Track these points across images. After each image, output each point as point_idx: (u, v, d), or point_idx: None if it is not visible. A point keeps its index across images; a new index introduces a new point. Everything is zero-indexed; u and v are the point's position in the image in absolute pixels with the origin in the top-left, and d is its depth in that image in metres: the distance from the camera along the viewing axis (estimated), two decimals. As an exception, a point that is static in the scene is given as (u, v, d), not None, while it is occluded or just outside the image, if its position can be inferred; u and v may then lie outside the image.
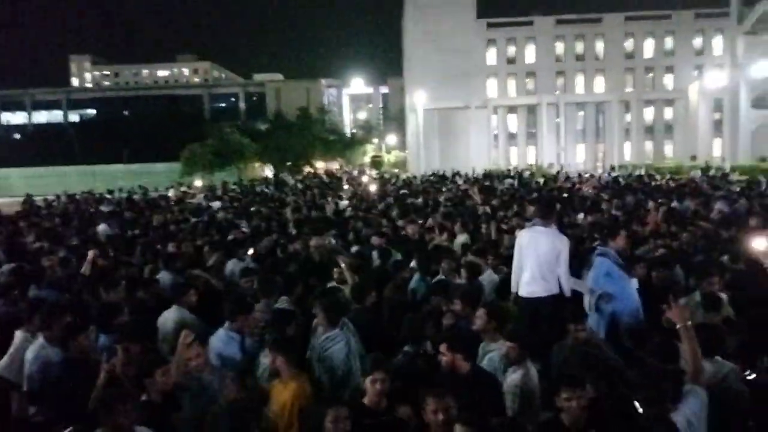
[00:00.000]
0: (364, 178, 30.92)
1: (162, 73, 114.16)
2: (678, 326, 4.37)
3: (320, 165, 59.82)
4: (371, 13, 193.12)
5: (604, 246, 6.57)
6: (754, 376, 4.72)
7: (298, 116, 62.32)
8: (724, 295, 5.92)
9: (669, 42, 58.39)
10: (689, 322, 4.34)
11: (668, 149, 56.35)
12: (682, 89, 53.27)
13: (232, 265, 8.64)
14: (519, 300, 6.55)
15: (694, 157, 42.71)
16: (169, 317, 6.17)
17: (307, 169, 56.10)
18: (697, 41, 57.96)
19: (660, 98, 57.50)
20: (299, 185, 30.32)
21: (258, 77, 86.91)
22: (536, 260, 6.43)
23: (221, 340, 5.46)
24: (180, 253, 9.47)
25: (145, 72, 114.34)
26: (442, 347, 4.71)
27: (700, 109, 47.88)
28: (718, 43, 55.95)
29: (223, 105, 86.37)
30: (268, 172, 55.99)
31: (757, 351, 4.99)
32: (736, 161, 37.50)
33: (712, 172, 28.44)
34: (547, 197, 14.69)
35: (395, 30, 63.95)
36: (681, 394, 4.01)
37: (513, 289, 6.69)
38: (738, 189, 18.21)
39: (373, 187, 23.91)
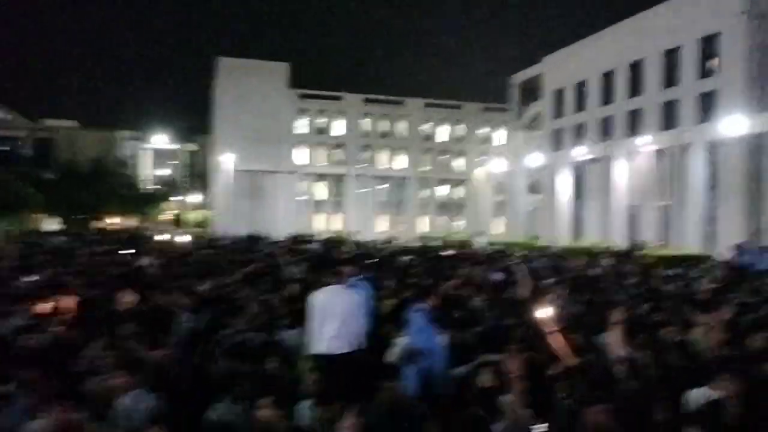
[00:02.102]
0: (161, 237, 29.12)
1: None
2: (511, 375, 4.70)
3: (114, 220, 55.74)
4: (180, 69, 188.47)
5: (419, 304, 6.98)
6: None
7: (92, 167, 57.92)
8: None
9: (461, 129, 65.00)
10: (520, 372, 4.73)
11: (458, 224, 61.68)
12: (470, 172, 59.23)
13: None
14: (318, 358, 6.63)
15: (482, 232, 47.19)
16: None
17: (99, 224, 51.95)
18: (483, 131, 65.28)
19: (452, 178, 63.23)
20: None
21: (49, 122, 79.41)
22: (339, 317, 6.64)
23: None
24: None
25: None
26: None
27: (485, 190, 53.52)
28: (501, 134, 63.57)
29: (6, 149, 77.04)
30: (55, 225, 50.79)
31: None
32: (514, 238, 42.11)
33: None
34: (332, 259, 15.17)
35: (204, 87, 63.15)
36: None
37: (309, 349, 6.76)
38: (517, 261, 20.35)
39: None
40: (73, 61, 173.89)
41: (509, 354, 4.72)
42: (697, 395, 5.23)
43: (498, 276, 12.94)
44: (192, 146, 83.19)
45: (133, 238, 30.67)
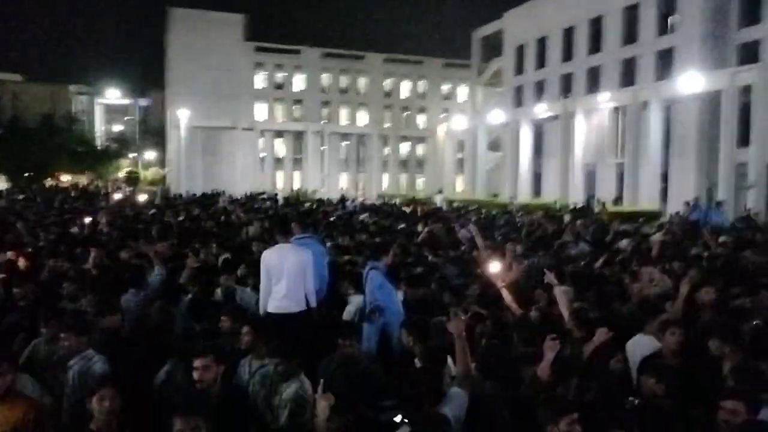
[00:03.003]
0: (116, 195, 28.39)
1: None
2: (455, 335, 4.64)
3: (66, 178, 54.00)
4: (131, 20, 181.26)
5: (375, 262, 6.85)
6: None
7: (41, 123, 55.61)
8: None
9: (422, 85, 64.44)
10: (463, 333, 4.66)
11: (420, 182, 61.66)
12: (432, 129, 58.90)
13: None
14: (270, 317, 6.54)
15: (440, 191, 47.27)
16: None
17: (49, 181, 50.22)
18: (446, 87, 64.86)
19: (413, 135, 62.88)
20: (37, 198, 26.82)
21: (-9, 75, 75.65)
22: (288, 276, 6.56)
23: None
24: None
25: None
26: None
27: (446, 148, 53.34)
28: (462, 90, 63.23)
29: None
30: (1, 183, 48.90)
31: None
32: (474, 196, 42.29)
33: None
34: (282, 216, 14.91)
35: (157, 41, 60.87)
36: (440, 396, 4.28)
37: (262, 307, 6.70)
38: (475, 218, 20.39)
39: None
40: (17, 10, 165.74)
41: (452, 315, 4.66)
42: (639, 342, 5.34)
43: (465, 233, 12.84)
44: (145, 101, 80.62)
45: (85, 196, 29.75)
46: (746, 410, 3.62)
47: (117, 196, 28.13)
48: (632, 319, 5.91)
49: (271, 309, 6.58)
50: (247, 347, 5.32)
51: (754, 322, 5.67)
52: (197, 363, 4.44)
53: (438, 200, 35.49)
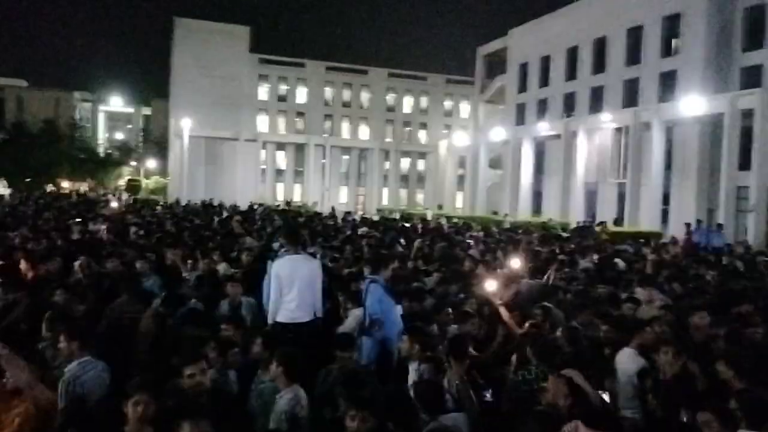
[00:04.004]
0: (114, 204, 28.16)
1: None
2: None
3: (66, 184, 53.99)
4: (137, 29, 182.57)
5: (374, 275, 6.83)
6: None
7: (44, 129, 55.73)
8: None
9: (424, 101, 64.71)
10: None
11: (420, 197, 61.66)
12: (434, 145, 59.05)
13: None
14: (279, 327, 6.54)
15: (440, 206, 47.22)
16: None
17: (49, 187, 50.17)
18: (448, 103, 65.12)
19: (415, 150, 62.98)
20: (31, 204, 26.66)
21: (-5, 80, 75.91)
22: (300, 286, 6.58)
23: None
24: None
25: None
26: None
27: (447, 164, 53.42)
28: (465, 107, 63.50)
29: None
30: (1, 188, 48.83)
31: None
32: (474, 213, 42.28)
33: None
34: (294, 226, 14.94)
35: (162, 50, 61.32)
36: (442, 407, 4.28)
37: (271, 317, 6.70)
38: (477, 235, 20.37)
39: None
40: (23, 16, 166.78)
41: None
42: (625, 356, 5.54)
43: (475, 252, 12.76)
44: (148, 110, 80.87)
45: (84, 202, 29.66)
46: (719, 423, 3.86)
47: (114, 204, 27.94)
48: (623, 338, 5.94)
49: (281, 318, 6.60)
50: (257, 359, 5.32)
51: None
52: (187, 369, 4.40)
53: (429, 215, 35.63)
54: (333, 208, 32.08)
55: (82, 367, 4.86)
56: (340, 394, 4.46)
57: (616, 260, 13.04)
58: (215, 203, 31.10)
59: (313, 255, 8.52)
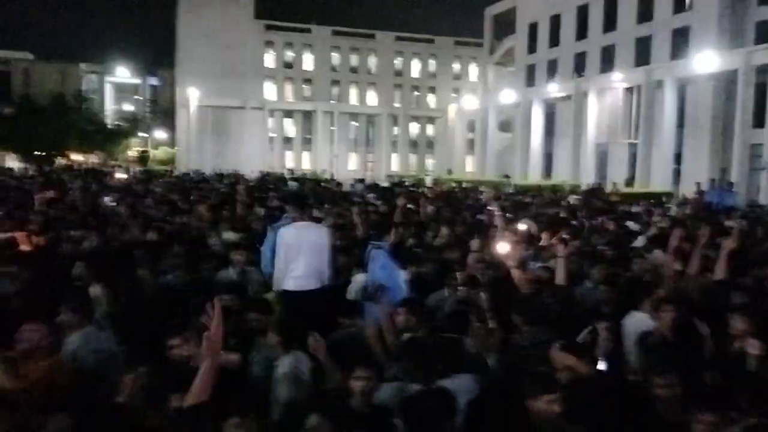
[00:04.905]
0: (118, 174, 28.07)
1: None
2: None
3: (76, 157, 54.13)
4: None
5: (378, 240, 6.77)
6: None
7: (51, 102, 55.58)
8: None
9: (432, 64, 63.83)
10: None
11: (429, 162, 61.31)
12: (443, 109, 58.40)
13: None
14: (287, 294, 6.47)
15: (450, 171, 46.94)
16: None
17: (61, 160, 50.39)
18: (456, 66, 64.22)
19: (424, 115, 62.42)
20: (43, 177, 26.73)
21: (2, 53, 75.54)
22: (306, 254, 6.49)
23: None
24: None
25: None
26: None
27: (456, 128, 52.90)
28: (473, 69, 62.60)
29: (-44, 81, 73.42)
30: (11, 162, 49.12)
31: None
32: (484, 177, 42.00)
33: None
34: (297, 193, 14.91)
35: (167, 19, 60.58)
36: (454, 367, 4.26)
37: (277, 285, 6.60)
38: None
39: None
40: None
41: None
42: (635, 320, 5.45)
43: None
44: (155, 80, 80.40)
45: (93, 174, 29.70)
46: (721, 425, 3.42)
47: (119, 175, 27.92)
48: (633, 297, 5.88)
49: (289, 287, 6.50)
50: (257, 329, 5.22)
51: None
52: (172, 342, 4.35)
53: (428, 181, 35.48)
54: (332, 175, 32.03)
55: (83, 339, 4.82)
56: (342, 356, 4.44)
57: (628, 223, 12.86)
58: (225, 173, 31.05)
59: (319, 220, 8.45)
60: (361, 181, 28.85)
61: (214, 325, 3.37)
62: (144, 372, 3.85)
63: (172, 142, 63.44)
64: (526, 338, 5.04)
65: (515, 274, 6.56)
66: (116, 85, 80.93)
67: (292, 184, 24.89)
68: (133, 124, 66.14)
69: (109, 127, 62.18)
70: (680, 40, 34.59)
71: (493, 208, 11.33)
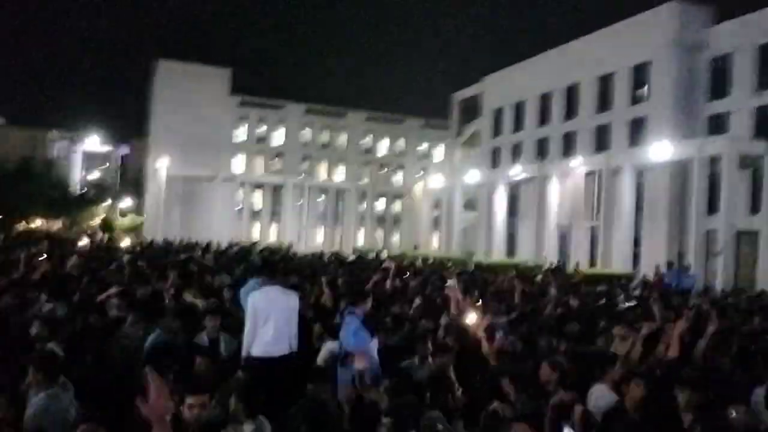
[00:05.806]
0: (82, 241, 27.52)
1: None
2: None
3: (39, 223, 53.16)
4: (116, 69, 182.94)
5: (352, 308, 6.89)
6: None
7: (18, 167, 55.11)
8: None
9: (401, 144, 65.53)
10: None
11: (395, 238, 61.84)
12: (409, 187, 59.61)
13: None
14: (254, 360, 6.46)
15: (416, 247, 47.40)
16: None
17: (21, 226, 49.40)
18: (424, 146, 66.01)
19: (391, 192, 63.47)
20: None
21: (-31, 118, 75.24)
22: (276, 320, 6.54)
23: None
24: None
25: None
26: None
27: (423, 205, 53.89)
28: (440, 150, 64.43)
29: None
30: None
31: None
32: (449, 253, 42.48)
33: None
34: (271, 261, 14.92)
35: (142, 90, 61.48)
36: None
37: (246, 351, 6.59)
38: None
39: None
40: (0, 53, 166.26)
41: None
42: (598, 391, 5.51)
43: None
44: (125, 149, 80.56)
45: (51, 240, 29.09)
46: None
47: (82, 242, 27.40)
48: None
49: (256, 353, 6.49)
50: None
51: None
52: (191, 401, 4.43)
53: (383, 256, 35.57)
54: (290, 244, 32.21)
55: (45, 401, 4.79)
56: (302, 424, 4.48)
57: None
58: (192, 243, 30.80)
59: (294, 287, 8.55)
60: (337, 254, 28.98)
61: (153, 394, 3.41)
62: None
63: (139, 210, 62.95)
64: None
65: (483, 344, 6.75)
66: (86, 153, 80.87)
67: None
68: (100, 191, 65.67)
69: (75, 193, 61.64)
70: (637, 129, 36.46)
71: (452, 283, 11.59)
